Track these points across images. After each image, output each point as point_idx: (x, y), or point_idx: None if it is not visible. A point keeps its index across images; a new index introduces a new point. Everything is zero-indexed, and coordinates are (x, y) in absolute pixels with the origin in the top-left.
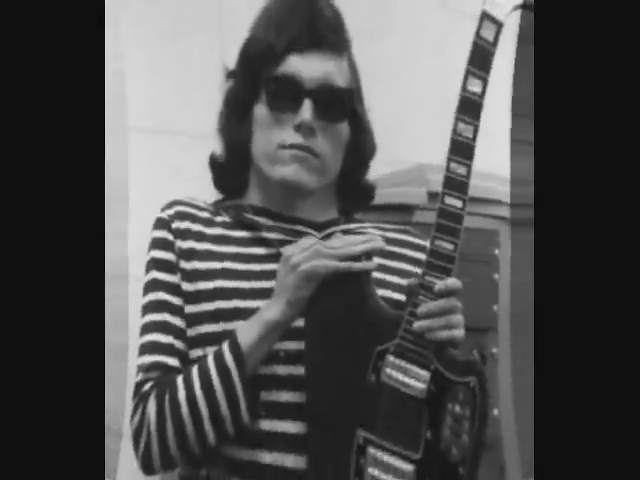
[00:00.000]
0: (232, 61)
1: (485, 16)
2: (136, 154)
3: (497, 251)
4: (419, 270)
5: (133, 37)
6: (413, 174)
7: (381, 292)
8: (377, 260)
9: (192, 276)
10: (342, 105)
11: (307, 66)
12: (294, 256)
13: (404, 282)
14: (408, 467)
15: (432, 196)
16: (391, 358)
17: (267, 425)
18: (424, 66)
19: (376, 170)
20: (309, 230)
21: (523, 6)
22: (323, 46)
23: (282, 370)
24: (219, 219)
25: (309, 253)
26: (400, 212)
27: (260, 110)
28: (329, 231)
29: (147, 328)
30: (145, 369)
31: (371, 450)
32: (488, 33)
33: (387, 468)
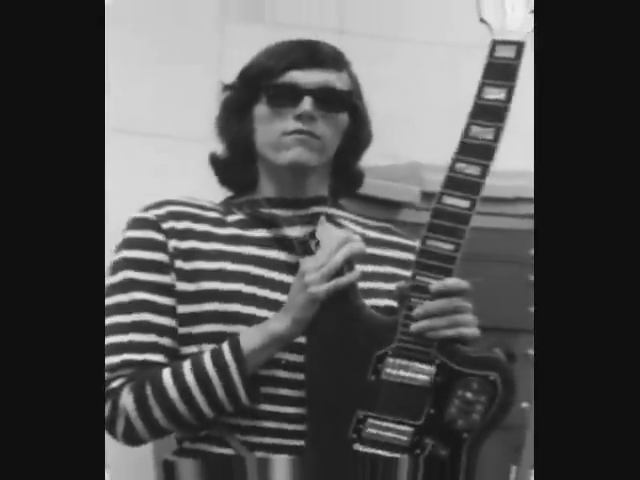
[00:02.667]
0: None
1: (497, 42)
2: (111, 154)
3: (533, 252)
4: (404, 272)
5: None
6: (408, 170)
7: (371, 302)
8: (359, 267)
9: (193, 276)
10: (342, 101)
11: (307, 77)
12: (308, 274)
13: (391, 287)
14: (407, 428)
15: (426, 196)
16: (391, 360)
17: (267, 407)
18: (431, 78)
19: (374, 162)
20: (321, 209)
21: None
22: (322, 65)
23: (283, 374)
24: (231, 218)
25: (320, 275)
26: (387, 208)
27: (260, 109)
28: (316, 210)
29: (114, 329)
30: (111, 369)
31: (370, 420)
32: (505, 52)
33: (386, 429)
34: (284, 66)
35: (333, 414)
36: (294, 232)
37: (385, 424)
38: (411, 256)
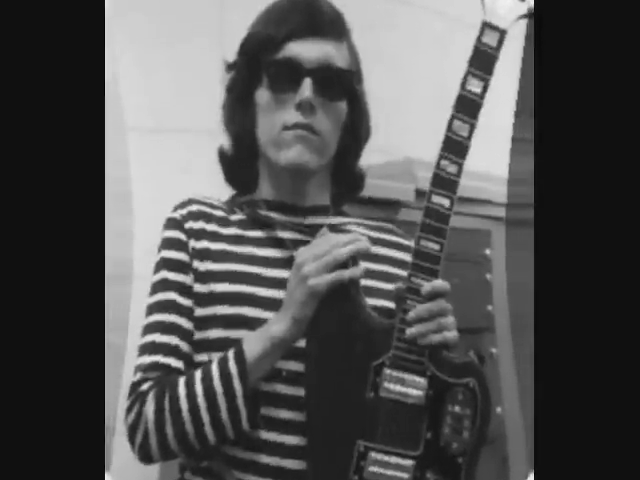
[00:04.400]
0: (232, 57)
1: (486, 25)
2: (138, 154)
3: (488, 251)
4: (404, 272)
5: (126, 41)
6: (402, 168)
7: (371, 301)
8: (364, 264)
9: (205, 277)
10: (341, 83)
11: (306, 49)
12: (305, 265)
13: (392, 287)
14: (408, 462)
15: (419, 194)
16: (388, 371)
17: (267, 435)
18: (424, 60)
19: (369, 158)
20: (320, 220)
21: (529, 15)
22: (322, 33)
23: (283, 389)
24: (234, 217)
25: (319, 266)
26: (386, 208)
27: (262, 94)
28: (318, 221)
29: (151, 328)
30: (144, 369)
31: (372, 454)
32: (490, 39)
33: (387, 465)
34: (283, 36)
35: (334, 445)
36: (287, 235)
37: (386, 458)
38: (408, 256)
